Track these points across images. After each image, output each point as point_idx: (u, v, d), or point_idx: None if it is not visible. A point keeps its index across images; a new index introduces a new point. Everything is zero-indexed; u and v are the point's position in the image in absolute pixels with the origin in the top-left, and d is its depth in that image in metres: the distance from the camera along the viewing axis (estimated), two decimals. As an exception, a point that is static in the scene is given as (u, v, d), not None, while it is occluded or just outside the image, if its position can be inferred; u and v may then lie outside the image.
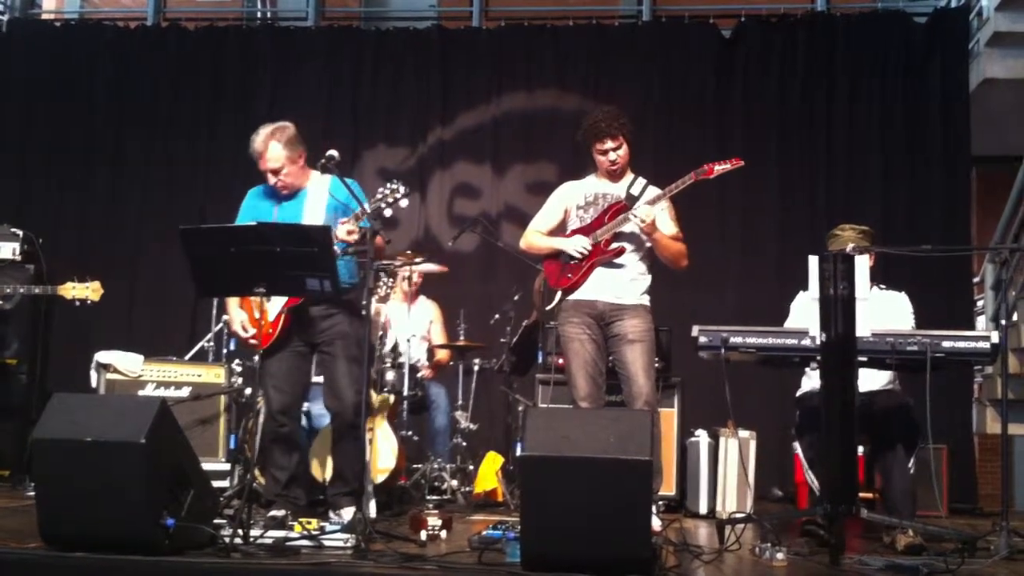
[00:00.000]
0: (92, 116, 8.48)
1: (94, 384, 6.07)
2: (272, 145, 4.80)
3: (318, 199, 4.91)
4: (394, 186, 4.64)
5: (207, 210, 7.88)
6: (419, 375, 6.45)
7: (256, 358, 4.63)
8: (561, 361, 5.40)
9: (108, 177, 8.39)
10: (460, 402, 6.65)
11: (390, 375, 6.04)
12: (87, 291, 6.07)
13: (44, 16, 10.10)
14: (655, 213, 5.01)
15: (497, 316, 6.74)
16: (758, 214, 7.84)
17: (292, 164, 4.85)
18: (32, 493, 4.40)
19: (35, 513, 3.85)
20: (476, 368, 6.73)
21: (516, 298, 6.63)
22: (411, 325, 6.46)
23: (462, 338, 6.78)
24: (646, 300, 5.21)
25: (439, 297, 7.13)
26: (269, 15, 9.99)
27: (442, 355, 6.95)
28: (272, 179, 4.87)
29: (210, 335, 6.70)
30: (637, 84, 8.07)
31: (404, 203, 4.67)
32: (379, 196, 4.64)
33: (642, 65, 8.13)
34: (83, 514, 3.76)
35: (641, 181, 5.24)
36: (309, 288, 4.30)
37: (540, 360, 6.40)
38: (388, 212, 4.66)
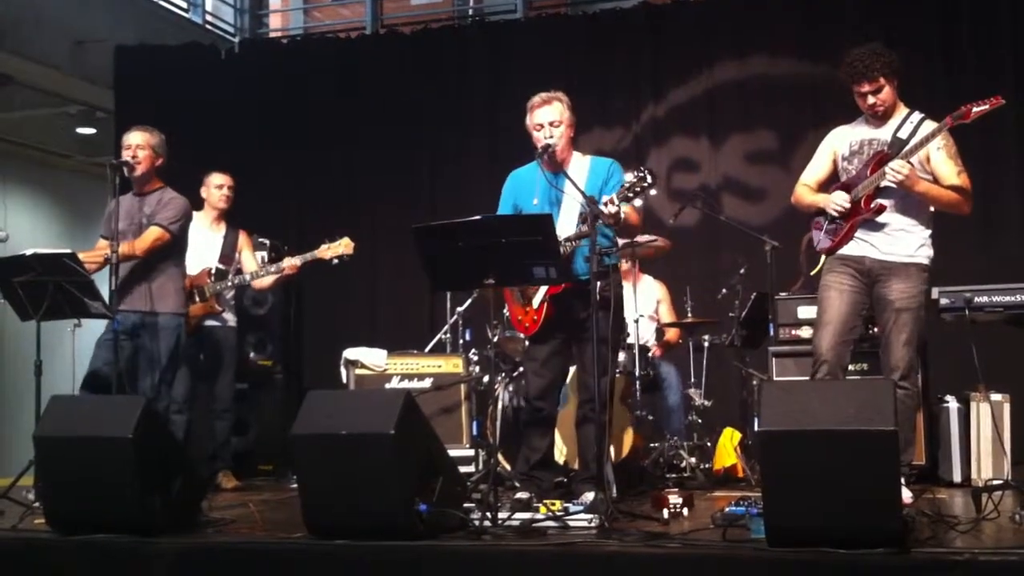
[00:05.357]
0: (322, 124, 8.78)
1: (344, 380, 6.30)
2: (556, 106, 4.89)
3: (578, 181, 4.82)
4: (641, 174, 4.51)
5: (436, 205, 8.16)
6: (648, 354, 6.48)
7: (495, 338, 4.80)
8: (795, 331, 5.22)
9: (342, 182, 8.72)
10: (692, 379, 6.63)
11: (621, 356, 6.09)
12: (340, 247, 6.14)
13: (272, 35, 10.75)
14: (907, 169, 4.51)
15: (724, 291, 6.65)
16: (995, 160, 7.28)
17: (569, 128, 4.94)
18: (295, 486, 4.68)
19: (299, 504, 4.03)
20: (706, 344, 6.69)
21: (743, 271, 6.54)
22: (638, 305, 6.48)
23: (689, 315, 6.75)
24: (921, 257, 4.69)
25: (664, 276, 7.12)
26: (477, 11, 10.23)
27: (671, 334, 6.95)
28: (542, 140, 4.86)
29: (446, 327, 6.89)
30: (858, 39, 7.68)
31: (652, 192, 4.56)
32: (627, 184, 4.56)
33: (860, 22, 7.73)
34: (342, 503, 3.92)
35: (915, 118, 4.70)
36: (536, 276, 4.39)
37: (772, 332, 6.29)
38: (638, 202, 4.60)
